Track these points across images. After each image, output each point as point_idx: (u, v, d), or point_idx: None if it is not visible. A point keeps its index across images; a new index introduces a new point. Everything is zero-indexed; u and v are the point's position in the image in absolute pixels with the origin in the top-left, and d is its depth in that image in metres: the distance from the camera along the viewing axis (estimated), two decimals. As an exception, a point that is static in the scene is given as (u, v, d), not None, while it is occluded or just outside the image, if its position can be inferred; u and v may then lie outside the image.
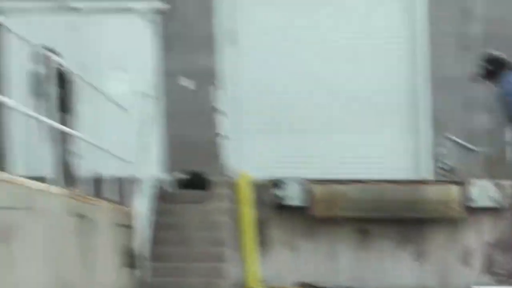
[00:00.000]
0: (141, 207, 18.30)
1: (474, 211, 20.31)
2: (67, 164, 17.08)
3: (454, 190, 20.33)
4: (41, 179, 13.62)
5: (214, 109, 21.53)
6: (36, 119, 15.48)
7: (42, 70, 17.11)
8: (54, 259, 13.08)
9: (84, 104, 17.33)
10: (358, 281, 20.21)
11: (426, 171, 22.08)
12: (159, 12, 22.13)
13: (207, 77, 21.87)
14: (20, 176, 12.69)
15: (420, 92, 22.38)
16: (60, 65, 16.26)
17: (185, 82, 21.62)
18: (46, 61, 16.31)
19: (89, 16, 21.99)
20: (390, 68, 22.52)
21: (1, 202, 10.77)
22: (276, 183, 20.28)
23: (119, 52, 22.03)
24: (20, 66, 17.40)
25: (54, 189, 13.68)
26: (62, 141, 16.38)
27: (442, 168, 21.83)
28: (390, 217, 20.32)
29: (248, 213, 19.54)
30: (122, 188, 18.56)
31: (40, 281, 12.38)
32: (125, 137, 19.17)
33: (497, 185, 20.25)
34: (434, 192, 20.40)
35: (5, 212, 10.87)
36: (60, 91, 15.88)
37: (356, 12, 22.70)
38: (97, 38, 21.96)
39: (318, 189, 20.22)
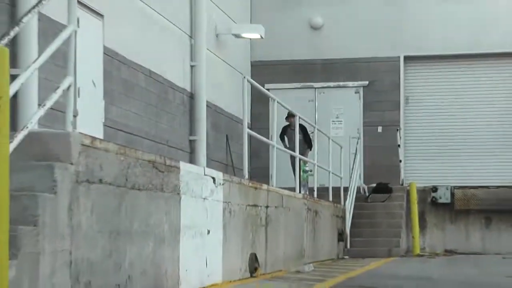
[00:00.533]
0: (348, 204, 18.94)
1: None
2: (305, 179, 18.22)
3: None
4: (289, 189, 14.88)
5: (397, 145, 21.41)
6: (286, 152, 16.70)
7: (290, 124, 18.39)
8: (295, 235, 14.04)
9: (317, 143, 18.16)
10: (483, 249, 20.18)
11: None
12: (363, 86, 22.32)
13: (392, 125, 21.90)
14: (277, 187, 13.73)
15: None
16: (302, 120, 17.40)
17: (380, 129, 22.23)
18: (293, 119, 17.49)
19: (322, 91, 22.39)
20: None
21: (266, 202, 11.92)
22: (433, 189, 20.54)
23: (338, 111, 22.26)
24: (277, 123, 17.81)
25: (296, 194, 14.77)
26: (302, 165, 17.51)
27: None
28: (506, 209, 20.18)
29: (415, 208, 19.51)
30: (337, 193, 18.96)
31: (288, 247, 13.35)
32: (340, 162, 19.41)
33: None
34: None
35: (269, 210, 12.02)
36: (301, 135, 16.98)
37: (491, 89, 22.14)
38: (325, 104, 22.31)
39: (458, 192, 20.37)
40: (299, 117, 16.45)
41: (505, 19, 21.76)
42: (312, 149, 18.44)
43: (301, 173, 17.56)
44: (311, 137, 18.82)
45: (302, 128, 18.09)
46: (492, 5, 21.87)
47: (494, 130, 22.14)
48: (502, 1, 21.84)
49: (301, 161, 17.18)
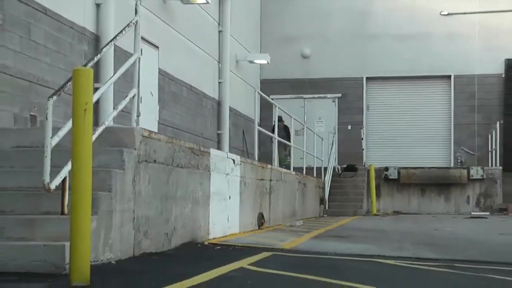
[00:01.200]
0: (327, 179, 18.79)
1: (473, 180, 19.84)
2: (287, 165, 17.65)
3: (464, 171, 19.83)
4: (285, 168, 14.80)
5: (360, 138, 21.53)
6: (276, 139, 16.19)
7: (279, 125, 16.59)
8: (290, 200, 13.92)
9: (306, 136, 18.04)
10: (419, 211, 19.95)
11: (453, 163, 21.30)
12: (337, 97, 22.09)
13: (358, 124, 21.84)
14: (278, 166, 13.93)
15: (449, 131, 21.65)
16: (294, 120, 16.97)
17: (349, 127, 22.19)
18: (280, 122, 16.79)
19: (309, 101, 22.06)
20: (439, 122, 21.96)
21: (270, 177, 11.79)
22: (385, 169, 20.22)
23: (320, 114, 22.07)
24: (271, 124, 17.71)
25: (291, 172, 14.67)
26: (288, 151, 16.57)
27: (460, 162, 21.23)
28: (435, 183, 19.97)
29: (373, 181, 19.38)
30: (319, 171, 18.65)
31: (285, 208, 13.20)
32: (321, 150, 19.22)
33: (482, 169, 19.82)
34: (455, 172, 19.86)
35: (272, 182, 11.93)
36: (285, 133, 16.51)
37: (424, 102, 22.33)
38: (311, 109, 22.05)
39: (403, 171, 20.08)
40: (292, 118, 16.10)
41: (433, 53, 21.64)
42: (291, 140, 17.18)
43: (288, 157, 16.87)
44: (290, 134, 16.91)
45: (286, 128, 17.43)
46: (425, 43, 21.72)
47: (427, 128, 21.96)
48: (431, 40, 21.68)
49: (284, 152, 16.81)
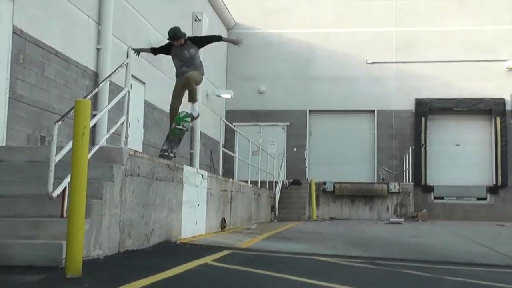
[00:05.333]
0: (277, 191, 18.45)
1: (391, 193, 19.82)
2: (176, 135, 9.16)
3: (384, 185, 19.85)
4: (244, 181, 14.69)
5: (304, 158, 21.39)
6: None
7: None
8: (247, 207, 13.62)
9: (260, 156, 17.93)
10: (349, 217, 19.85)
11: (376, 179, 21.25)
12: (286, 125, 21.93)
13: (302, 147, 21.72)
14: (238, 180, 13.80)
15: (373, 154, 21.62)
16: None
17: (295, 149, 22.17)
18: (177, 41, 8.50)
19: (264, 128, 21.82)
20: (365, 146, 21.96)
21: (231, 189, 11.61)
22: (324, 183, 20.06)
23: (272, 138, 21.88)
24: (239, 145, 17.37)
25: (248, 185, 14.26)
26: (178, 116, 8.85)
27: (382, 178, 21.20)
28: (362, 195, 19.95)
29: (313, 193, 19.19)
30: (271, 184, 18.33)
31: (243, 214, 12.94)
32: (273, 167, 19.10)
33: (398, 184, 19.87)
34: (378, 187, 19.89)
35: (232, 193, 11.76)
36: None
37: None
38: (265, 134, 21.85)
39: (337, 185, 19.97)
40: (250, 141, 15.64)
41: (360, 92, 21.83)
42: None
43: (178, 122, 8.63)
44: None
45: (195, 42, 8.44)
46: (354, 84, 21.89)
47: (356, 151, 21.93)
48: (359, 82, 21.87)
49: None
